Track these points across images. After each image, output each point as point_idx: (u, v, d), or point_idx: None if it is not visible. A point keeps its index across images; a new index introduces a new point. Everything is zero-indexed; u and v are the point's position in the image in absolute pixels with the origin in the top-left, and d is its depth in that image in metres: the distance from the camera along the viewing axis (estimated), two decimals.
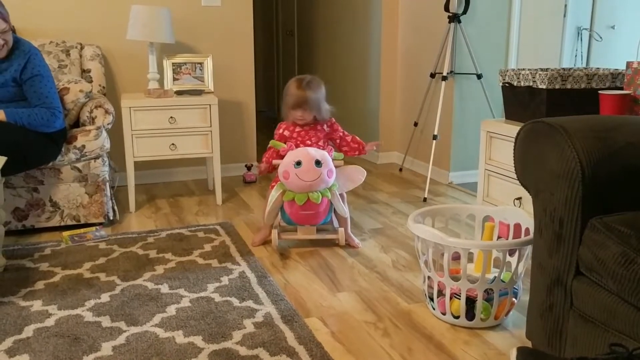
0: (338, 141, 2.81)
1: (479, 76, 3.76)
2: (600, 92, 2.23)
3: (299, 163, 2.47)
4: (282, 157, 2.58)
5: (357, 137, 2.85)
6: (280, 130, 2.75)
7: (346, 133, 2.84)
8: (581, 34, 3.99)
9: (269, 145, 2.71)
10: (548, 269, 1.55)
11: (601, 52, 4.03)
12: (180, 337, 1.88)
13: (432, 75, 3.91)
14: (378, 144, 2.88)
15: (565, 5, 3.89)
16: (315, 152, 2.52)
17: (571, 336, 1.50)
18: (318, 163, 2.48)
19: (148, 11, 3.26)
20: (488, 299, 1.94)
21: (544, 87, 2.35)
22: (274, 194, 2.58)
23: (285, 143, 2.65)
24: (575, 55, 3.98)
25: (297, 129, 2.72)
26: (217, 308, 2.08)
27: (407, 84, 4.39)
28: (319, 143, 2.71)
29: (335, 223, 2.77)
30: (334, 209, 2.65)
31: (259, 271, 2.42)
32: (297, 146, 2.64)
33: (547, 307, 1.56)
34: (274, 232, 2.64)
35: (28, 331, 1.92)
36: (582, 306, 1.45)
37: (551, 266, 1.54)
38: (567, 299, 1.50)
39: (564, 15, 3.91)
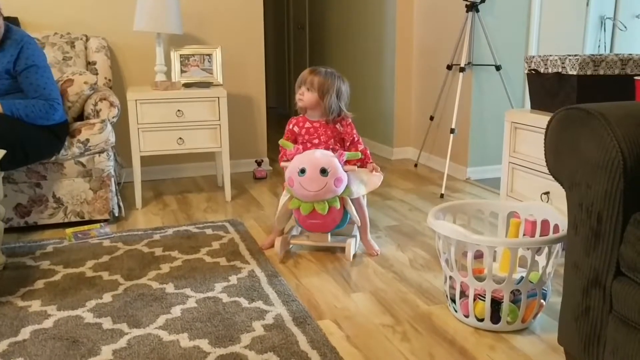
0: (348, 144, 2.56)
1: (498, 67, 3.62)
2: (636, 77, 2.08)
3: (302, 171, 2.27)
4: (290, 159, 2.41)
5: (367, 151, 2.59)
6: (291, 126, 2.57)
7: (360, 141, 2.58)
8: (604, 24, 3.83)
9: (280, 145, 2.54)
10: (584, 269, 1.42)
11: (626, 43, 3.87)
12: (185, 341, 1.76)
13: (449, 67, 3.77)
14: (379, 173, 2.52)
15: None
16: (321, 158, 2.29)
17: (611, 342, 1.37)
18: (324, 171, 2.26)
19: (155, 1, 3.14)
20: (515, 301, 1.81)
21: (575, 73, 2.21)
22: (282, 198, 2.44)
23: (294, 142, 2.50)
24: (599, 46, 3.82)
25: (307, 124, 2.54)
26: (225, 309, 1.97)
27: (422, 76, 4.26)
28: (329, 142, 2.51)
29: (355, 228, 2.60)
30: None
31: (269, 270, 2.30)
32: (303, 144, 2.48)
33: (583, 311, 1.43)
34: (277, 240, 2.46)
35: (25, 333, 1.81)
36: (624, 310, 1.32)
37: (588, 266, 1.41)
38: (606, 301, 1.37)
39: (587, 4, 3.76)
